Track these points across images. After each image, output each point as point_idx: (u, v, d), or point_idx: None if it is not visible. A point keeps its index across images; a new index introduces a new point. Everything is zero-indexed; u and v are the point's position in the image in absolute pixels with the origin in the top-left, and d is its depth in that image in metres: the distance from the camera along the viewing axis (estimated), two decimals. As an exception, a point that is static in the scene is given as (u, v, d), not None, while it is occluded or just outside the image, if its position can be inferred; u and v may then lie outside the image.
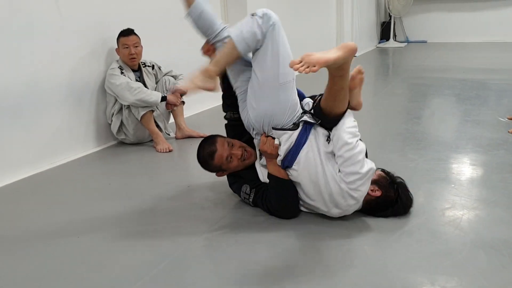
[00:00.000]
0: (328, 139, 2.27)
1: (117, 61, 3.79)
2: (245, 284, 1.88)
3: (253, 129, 2.44)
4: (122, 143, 3.97)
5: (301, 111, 2.34)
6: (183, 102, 4.03)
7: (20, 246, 2.29)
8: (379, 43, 12.01)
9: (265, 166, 2.44)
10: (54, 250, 2.24)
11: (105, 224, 2.50)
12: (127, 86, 3.62)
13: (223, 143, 2.47)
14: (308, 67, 1.94)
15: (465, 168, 3.08)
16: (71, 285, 1.93)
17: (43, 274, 2.02)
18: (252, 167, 2.55)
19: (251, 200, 2.48)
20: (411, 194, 2.36)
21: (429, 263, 1.95)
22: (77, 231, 2.42)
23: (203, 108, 5.21)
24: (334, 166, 2.22)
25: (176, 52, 4.68)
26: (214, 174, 2.61)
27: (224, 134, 2.68)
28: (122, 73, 3.70)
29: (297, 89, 2.38)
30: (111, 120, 3.83)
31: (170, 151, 3.73)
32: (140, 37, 3.78)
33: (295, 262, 2.02)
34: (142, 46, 3.79)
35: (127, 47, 3.70)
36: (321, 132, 2.30)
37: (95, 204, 2.78)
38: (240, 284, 1.87)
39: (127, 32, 3.71)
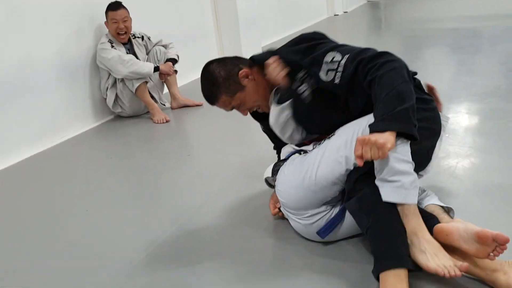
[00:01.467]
0: None
1: (106, 35, 3.78)
2: (245, 257, 1.94)
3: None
4: (119, 117, 4.00)
5: None
6: (176, 72, 4.03)
7: (30, 223, 2.35)
8: (370, -3, 11.86)
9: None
10: (64, 224, 2.31)
11: (112, 197, 2.56)
12: (119, 59, 3.62)
13: (225, 104, 1.90)
14: None
15: (459, 117, 3.12)
16: (82, 256, 2.00)
17: (54, 247, 2.09)
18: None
19: None
20: None
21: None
22: (85, 205, 2.48)
23: (196, 76, 5.21)
24: None
25: (163, 21, 4.66)
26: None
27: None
28: (112, 46, 3.69)
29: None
30: (106, 95, 3.85)
31: (167, 121, 3.75)
32: (128, 10, 3.75)
33: (300, 247, 2.07)
34: (131, 19, 3.77)
35: (116, 22, 3.68)
36: None
37: (100, 178, 2.84)
38: (241, 258, 1.93)
39: (115, 6, 3.68)
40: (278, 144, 2.15)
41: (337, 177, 1.65)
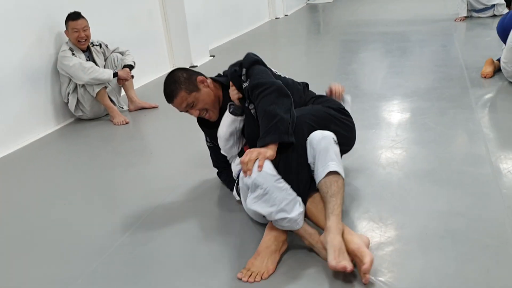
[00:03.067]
0: None
1: (67, 43, 4.03)
2: (210, 238, 2.33)
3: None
4: (80, 120, 4.26)
5: None
6: (132, 76, 4.33)
7: (13, 215, 2.63)
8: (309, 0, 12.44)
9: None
10: (45, 213, 2.61)
11: (87, 191, 2.88)
12: (81, 67, 3.90)
13: (182, 101, 2.29)
14: None
15: (384, 114, 3.63)
16: (68, 237, 2.32)
17: (35, 233, 2.40)
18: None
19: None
20: None
21: (367, 195, 2.43)
22: (64, 198, 2.79)
23: (149, 79, 5.51)
24: None
25: (116, 29, 4.95)
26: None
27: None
28: (73, 54, 3.96)
29: None
30: (68, 99, 4.10)
31: (126, 123, 4.06)
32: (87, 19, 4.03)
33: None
34: (89, 28, 4.04)
35: (77, 31, 3.95)
36: None
37: (73, 175, 3.15)
38: (205, 239, 2.33)
39: (76, 16, 3.95)
40: (221, 165, 2.61)
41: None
